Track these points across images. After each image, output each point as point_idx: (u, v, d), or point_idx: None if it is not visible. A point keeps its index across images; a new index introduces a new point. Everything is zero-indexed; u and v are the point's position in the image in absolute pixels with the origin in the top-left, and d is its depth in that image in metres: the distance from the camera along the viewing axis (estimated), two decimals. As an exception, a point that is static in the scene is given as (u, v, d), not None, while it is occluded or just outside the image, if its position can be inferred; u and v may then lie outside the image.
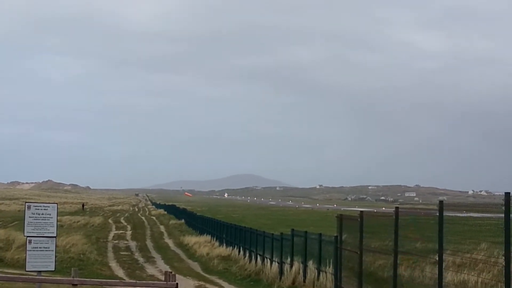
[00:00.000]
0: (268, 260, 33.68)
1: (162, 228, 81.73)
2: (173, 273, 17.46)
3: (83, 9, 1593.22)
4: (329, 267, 24.26)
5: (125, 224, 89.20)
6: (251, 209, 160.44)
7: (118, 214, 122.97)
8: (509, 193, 12.43)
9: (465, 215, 15.58)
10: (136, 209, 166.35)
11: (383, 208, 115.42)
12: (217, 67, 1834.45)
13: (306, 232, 28.43)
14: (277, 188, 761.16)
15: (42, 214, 19.81)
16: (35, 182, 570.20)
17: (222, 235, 51.10)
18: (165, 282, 17.11)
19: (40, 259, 19.66)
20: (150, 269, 38.83)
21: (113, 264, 41.01)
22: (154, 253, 48.94)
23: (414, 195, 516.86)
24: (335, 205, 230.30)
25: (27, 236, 19.73)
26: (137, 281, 26.15)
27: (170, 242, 59.40)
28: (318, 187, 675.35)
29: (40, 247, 19.68)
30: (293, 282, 28.19)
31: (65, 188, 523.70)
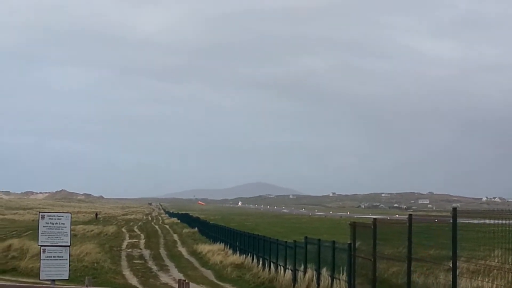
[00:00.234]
0: (282, 267, 33.64)
1: (175, 236, 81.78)
2: (186, 281, 17.45)
3: (92, 20, 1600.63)
4: (342, 274, 24.18)
5: (139, 233, 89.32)
6: (264, 217, 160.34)
7: (131, 223, 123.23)
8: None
9: (479, 221, 15.53)
10: (150, 218, 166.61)
11: (397, 216, 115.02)
12: (227, 76, 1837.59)
13: (319, 239, 28.36)
14: (290, 196, 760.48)
15: (56, 223, 19.91)
16: (49, 192, 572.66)
17: (236, 243, 51.07)
18: (178, 290, 17.13)
19: (54, 268, 19.76)
20: (163, 278, 38.85)
21: (127, 272, 41.07)
22: (167, 262, 48.97)
23: (428, 202, 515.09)
24: (348, 213, 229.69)
25: (41, 246, 19.83)
26: (151, 290, 26.25)
27: (183, 251, 59.42)
28: (331, 194, 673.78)
29: (54, 256, 19.78)
30: (307, 290, 28.15)
31: (79, 197, 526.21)
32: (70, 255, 20.60)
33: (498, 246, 13.84)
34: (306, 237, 30.62)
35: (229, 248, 52.80)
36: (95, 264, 40.43)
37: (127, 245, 63.59)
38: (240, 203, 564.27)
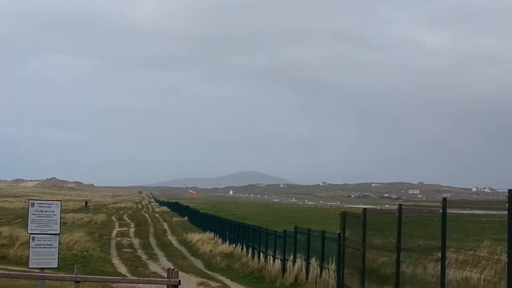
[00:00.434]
0: (271, 257, 33.67)
1: (165, 225, 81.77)
2: (176, 270, 17.42)
3: (87, 9, 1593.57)
4: (331, 264, 24.23)
5: (129, 221, 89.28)
6: (254, 207, 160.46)
7: (121, 212, 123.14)
8: (513, 190, 12.38)
9: (469, 212, 15.54)
10: (140, 207, 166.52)
11: (387, 205, 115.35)
12: (220, 66, 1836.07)
13: (309, 229, 28.37)
14: (281, 186, 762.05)
15: (45, 211, 19.82)
16: (39, 180, 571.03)
17: (225, 232, 51.11)
18: (168, 279, 17.11)
19: (43, 256, 19.68)
20: (153, 266, 38.82)
21: (116, 261, 41.04)
22: (157, 250, 48.97)
23: (418, 192, 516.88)
24: (338, 202, 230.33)
25: (31, 233, 19.75)
26: (140, 278, 26.23)
27: (173, 239, 59.43)
28: (321, 184, 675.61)
29: (43, 244, 19.70)
30: (296, 279, 28.19)
31: (69, 185, 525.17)
32: (59, 244, 20.53)
33: (487, 237, 13.86)
34: (295, 227, 30.63)
35: (219, 237, 52.83)
36: (85, 253, 40.39)
37: (116, 234, 63.53)
38: (231, 192, 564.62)
